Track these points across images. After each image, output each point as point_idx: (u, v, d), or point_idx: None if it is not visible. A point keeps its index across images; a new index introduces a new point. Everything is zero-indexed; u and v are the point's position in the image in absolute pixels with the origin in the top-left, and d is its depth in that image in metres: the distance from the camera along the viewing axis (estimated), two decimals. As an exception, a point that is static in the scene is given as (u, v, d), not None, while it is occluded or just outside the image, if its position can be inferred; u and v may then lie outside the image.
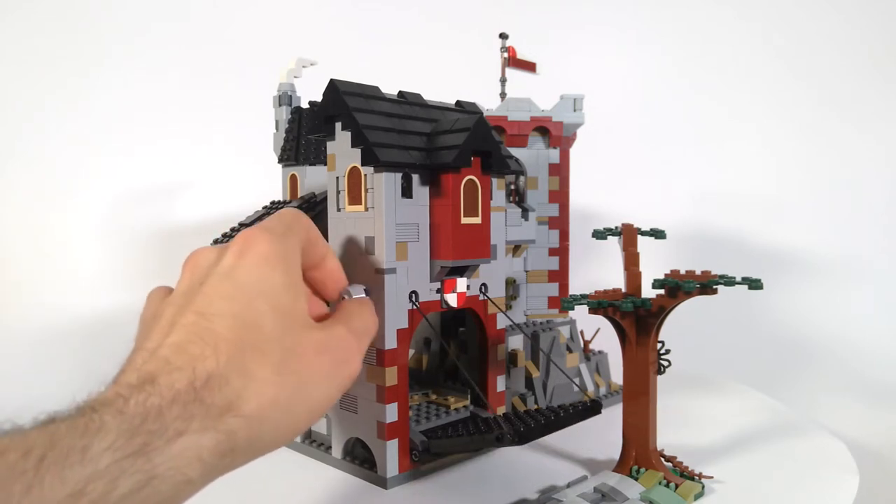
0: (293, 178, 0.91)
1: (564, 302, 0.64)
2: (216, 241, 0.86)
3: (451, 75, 1.30)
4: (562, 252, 0.97)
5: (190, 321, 0.35)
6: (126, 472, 0.28)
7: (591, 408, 0.66)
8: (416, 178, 0.68)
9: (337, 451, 0.73)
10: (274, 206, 0.88)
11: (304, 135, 0.91)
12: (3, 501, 0.25)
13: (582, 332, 1.01)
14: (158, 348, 0.34)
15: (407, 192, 0.68)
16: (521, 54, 1.03)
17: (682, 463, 0.68)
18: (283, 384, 0.35)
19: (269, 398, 0.34)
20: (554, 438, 0.82)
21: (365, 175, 0.67)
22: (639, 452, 0.66)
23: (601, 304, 0.64)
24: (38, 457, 0.26)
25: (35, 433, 0.27)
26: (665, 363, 0.67)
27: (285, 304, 0.38)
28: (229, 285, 0.37)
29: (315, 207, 0.82)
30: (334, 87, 0.68)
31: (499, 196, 0.79)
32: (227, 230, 0.88)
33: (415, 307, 0.69)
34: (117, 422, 0.29)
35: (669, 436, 0.71)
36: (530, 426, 0.61)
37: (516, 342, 0.90)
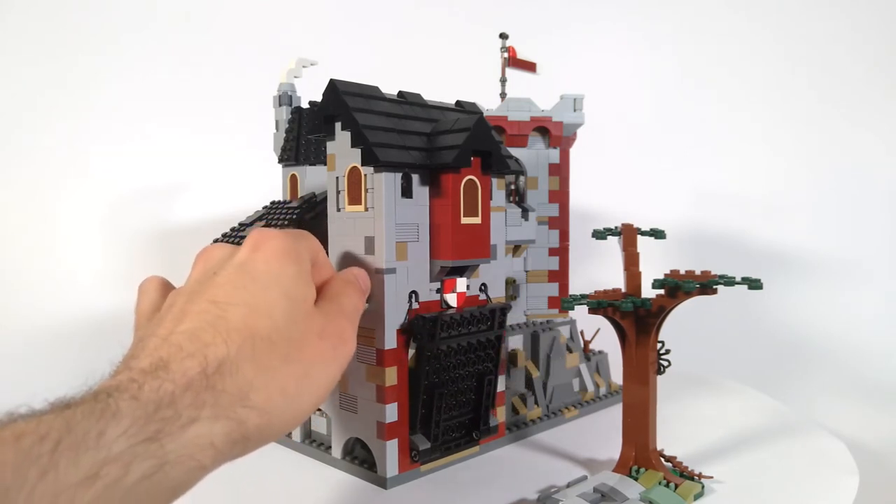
0: (293, 178, 0.91)
1: (564, 302, 0.64)
2: (216, 242, 0.86)
3: (451, 75, 1.30)
4: (562, 252, 0.97)
5: (202, 309, 0.36)
6: (139, 457, 0.28)
7: (502, 307, 0.74)
8: (416, 178, 0.68)
9: (337, 451, 0.73)
10: (274, 206, 0.88)
11: (304, 135, 0.91)
12: (19, 486, 0.25)
13: (582, 332, 1.01)
14: (171, 335, 0.34)
15: (407, 192, 0.68)
16: (521, 54, 1.03)
17: (681, 463, 0.68)
18: (292, 373, 0.36)
19: (278, 388, 0.35)
20: (554, 438, 0.83)
21: (365, 175, 0.67)
22: (639, 452, 0.66)
23: (601, 304, 0.64)
24: (53, 441, 0.26)
25: (51, 417, 0.27)
26: (665, 363, 0.66)
27: (296, 293, 0.39)
28: (243, 275, 0.38)
29: (315, 207, 0.82)
30: (334, 87, 0.68)
31: (499, 196, 0.79)
32: (227, 230, 0.88)
33: (415, 307, 0.69)
34: (132, 408, 0.29)
35: (669, 436, 0.71)
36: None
37: (516, 342, 0.90)
